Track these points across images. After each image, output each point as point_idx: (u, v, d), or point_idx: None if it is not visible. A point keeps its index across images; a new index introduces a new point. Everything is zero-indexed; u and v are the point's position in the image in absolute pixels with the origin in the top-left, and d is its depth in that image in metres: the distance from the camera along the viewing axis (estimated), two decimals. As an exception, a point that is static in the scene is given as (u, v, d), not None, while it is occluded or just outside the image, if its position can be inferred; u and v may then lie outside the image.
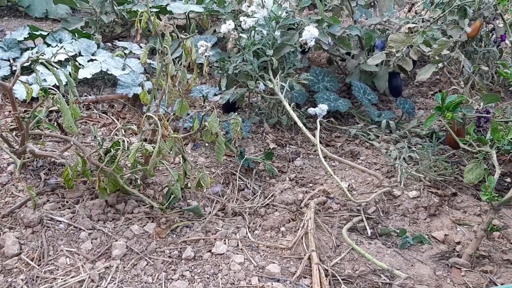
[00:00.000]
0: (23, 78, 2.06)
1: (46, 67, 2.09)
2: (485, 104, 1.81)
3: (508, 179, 1.82)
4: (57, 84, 1.54)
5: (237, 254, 1.37)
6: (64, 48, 1.94)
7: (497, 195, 1.33)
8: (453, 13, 2.31)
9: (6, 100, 2.11)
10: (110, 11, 2.97)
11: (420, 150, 1.90)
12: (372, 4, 2.80)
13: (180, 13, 2.96)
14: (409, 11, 3.30)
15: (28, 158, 1.61)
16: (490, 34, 2.55)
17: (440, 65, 2.11)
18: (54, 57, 1.58)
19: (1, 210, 1.42)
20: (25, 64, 1.55)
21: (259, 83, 2.06)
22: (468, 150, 1.66)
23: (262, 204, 1.62)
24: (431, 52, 2.12)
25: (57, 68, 1.55)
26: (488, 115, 1.81)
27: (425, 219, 1.58)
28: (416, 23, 2.30)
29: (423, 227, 1.55)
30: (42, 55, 1.58)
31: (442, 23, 2.36)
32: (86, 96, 2.16)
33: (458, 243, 1.47)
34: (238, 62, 2.05)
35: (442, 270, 1.36)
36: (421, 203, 1.62)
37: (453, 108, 1.64)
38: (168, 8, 2.86)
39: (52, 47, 2.40)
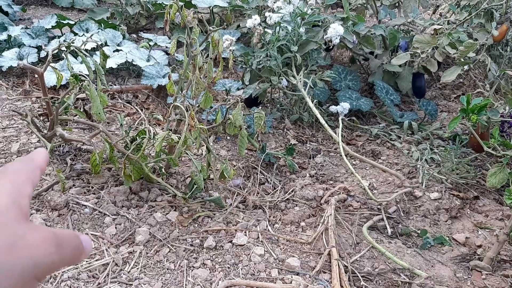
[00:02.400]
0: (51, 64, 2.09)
1: (76, 54, 2.13)
2: (510, 108, 1.80)
3: (531, 185, 1.80)
4: (84, 72, 1.57)
5: (258, 246, 1.38)
6: (91, 38, 1.98)
7: (522, 199, 1.32)
8: (479, 16, 2.29)
9: (33, 86, 2.15)
10: (135, 3, 3.01)
11: (442, 152, 1.90)
12: (397, 4, 2.79)
13: (204, 7, 2.99)
14: (433, 13, 3.28)
15: (55, 142, 1.64)
16: (517, 38, 2.52)
17: (466, 67, 2.10)
18: (84, 45, 1.60)
19: (29, 192, 1.45)
20: (54, 52, 1.59)
21: (282, 79, 2.07)
22: (491, 154, 1.65)
23: (282, 198, 1.63)
24: (456, 54, 2.10)
25: (86, 56, 1.58)
26: (513, 120, 1.79)
27: (446, 221, 1.58)
28: (441, 25, 2.29)
29: (444, 229, 1.55)
30: (73, 43, 1.60)
31: (468, 25, 2.34)
32: (111, 85, 2.19)
33: (479, 246, 1.47)
34: (262, 57, 2.06)
35: (463, 272, 1.36)
36: (443, 205, 1.62)
37: (478, 111, 1.63)
38: (193, 2, 2.88)
39: (79, 36, 2.44)
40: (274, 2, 2.06)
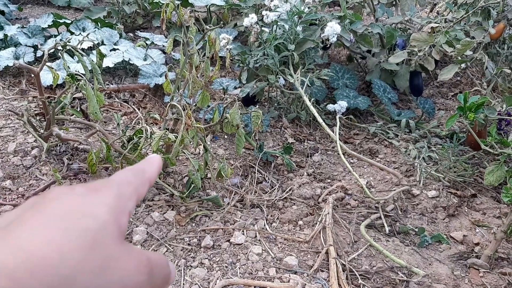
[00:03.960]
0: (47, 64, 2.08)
1: (72, 53, 2.12)
2: (507, 106, 1.80)
3: (528, 183, 1.81)
4: (80, 71, 1.57)
5: (255, 245, 1.38)
6: (88, 37, 1.98)
7: (519, 197, 1.32)
8: (476, 14, 2.29)
9: (30, 86, 2.14)
10: (132, 2, 3.00)
11: (440, 150, 1.90)
12: (394, 3, 2.79)
13: (201, 6, 2.98)
14: (431, 11, 3.28)
15: (52, 142, 1.63)
16: (514, 37, 2.52)
17: (463, 65, 2.10)
18: (81, 44, 1.60)
19: (25, 193, 1.45)
20: (50, 51, 1.58)
21: (279, 78, 2.07)
22: (489, 152, 1.65)
23: (280, 197, 1.63)
24: (454, 52, 2.11)
25: (82, 56, 1.57)
26: (510, 118, 1.79)
27: (443, 219, 1.58)
28: (438, 23, 2.29)
29: (442, 227, 1.55)
30: (69, 42, 1.60)
31: (465, 24, 2.34)
32: (108, 84, 2.19)
33: (477, 244, 1.47)
34: (259, 56, 2.06)
35: (460, 270, 1.36)
36: (440, 203, 1.62)
37: (475, 109, 1.63)
38: (190, 1, 2.87)
39: (75, 35, 2.43)
40: (271, 1, 2.06)
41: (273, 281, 1.25)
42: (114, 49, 2.38)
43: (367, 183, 1.76)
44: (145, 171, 0.34)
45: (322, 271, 1.31)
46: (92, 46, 2.33)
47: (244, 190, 1.65)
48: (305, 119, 2.14)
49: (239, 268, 1.28)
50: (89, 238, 0.26)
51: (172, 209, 1.48)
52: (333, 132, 1.79)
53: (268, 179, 1.73)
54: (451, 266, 1.38)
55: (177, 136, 1.35)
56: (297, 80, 1.95)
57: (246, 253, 1.34)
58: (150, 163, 0.35)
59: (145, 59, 2.33)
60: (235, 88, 2.26)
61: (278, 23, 2.05)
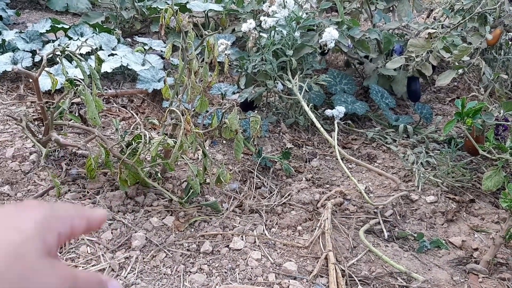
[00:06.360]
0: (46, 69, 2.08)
1: (71, 59, 2.12)
2: (505, 112, 1.81)
3: (526, 188, 1.81)
4: (79, 76, 1.57)
5: (254, 250, 1.38)
6: (86, 42, 1.97)
7: (517, 202, 1.32)
8: (473, 20, 2.30)
9: (28, 91, 2.14)
10: (130, 7, 3.00)
11: (438, 156, 1.90)
12: (391, 8, 2.80)
13: (199, 11, 2.98)
14: (427, 17, 3.30)
15: (50, 147, 1.63)
16: (510, 42, 2.54)
17: (460, 71, 2.11)
18: (79, 49, 1.60)
19: (24, 198, 1.44)
20: (48, 56, 1.58)
21: (277, 83, 2.07)
22: (487, 157, 1.66)
23: (279, 202, 1.63)
24: (451, 57, 2.12)
25: (81, 61, 1.57)
26: (507, 123, 1.80)
27: (442, 224, 1.58)
28: (436, 29, 2.30)
29: (440, 232, 1.55)
30: (67, 47, 1.60)
31: (462, 29, 2.36)
32: (106, 90, 2.19)
33: (476, 249, 1.47)
34: (257, 61, 2.06)
35: (459, 276, 1.36)
36: (439, 208, 1.62)
37: (473, 114, 1.64)
38: (188, 6, 2.88)
39: (73, 40, 2.43)
40: (269, 6, 2.06)
41: (272, 287, 1.25)
42: (112, 54, 2.37)
43: (365, 188, 1.76)
44: (87, 211, 0.36)
45: (322, 276, 1.31)
46: (90, 51, 2.33)
47: (243, 196, 1.64)
48: (303, 124, 2.14)
49: (238, 273, 1.28)
50: (11, 249, 0.27)
51: (171, 215, 1.47)
52: (331, 137, 1.79)
53: (267, 184, 1.73)
54: (450, 272, 1.38)
55: (176, 141, 1.35)
56: (295, 85, 1.96)
57: (245, 259, 1.34)
58: (94, 211, 0.37)
59: (143, 64, 2.33)
60: (234, 93, 2.27)
61: (276, 29, 2.05)
